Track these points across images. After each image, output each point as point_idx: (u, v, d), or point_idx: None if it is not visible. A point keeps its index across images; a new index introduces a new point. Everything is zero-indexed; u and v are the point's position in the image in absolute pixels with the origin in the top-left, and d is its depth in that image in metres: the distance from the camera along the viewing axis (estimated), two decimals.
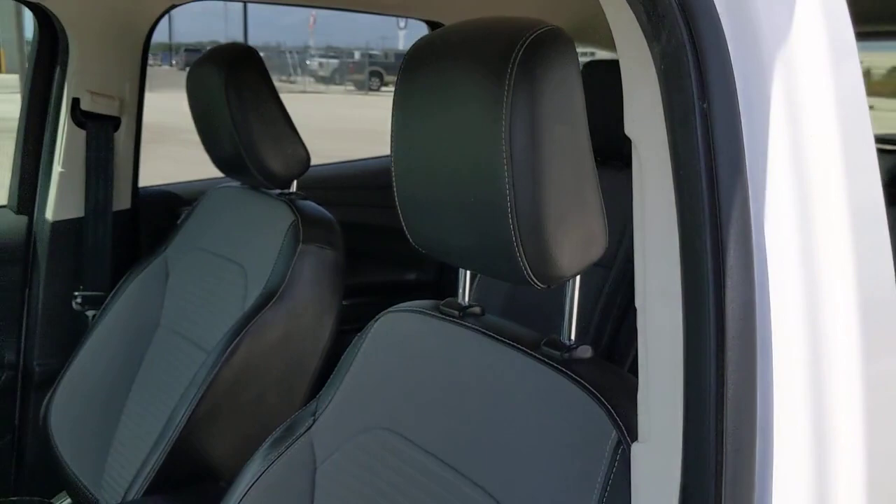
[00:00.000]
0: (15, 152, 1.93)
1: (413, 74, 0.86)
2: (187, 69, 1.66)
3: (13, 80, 15.96)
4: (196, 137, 1.67)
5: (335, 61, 27.56)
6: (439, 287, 2.53)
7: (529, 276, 0.81)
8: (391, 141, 0.91)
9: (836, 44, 0.55)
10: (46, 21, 1.82)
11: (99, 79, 1.84)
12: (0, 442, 1.90)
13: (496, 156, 0.76)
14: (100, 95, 1.83)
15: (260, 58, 1.56)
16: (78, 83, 1.82)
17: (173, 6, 1.88)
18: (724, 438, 0.50)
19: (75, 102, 1.82)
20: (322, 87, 25.01)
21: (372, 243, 2.35)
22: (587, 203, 0.80)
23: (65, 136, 1.84)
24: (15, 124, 1.94)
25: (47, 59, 1.87)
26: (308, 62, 28.21)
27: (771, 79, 0.53)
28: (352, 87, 25.90)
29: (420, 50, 0.88)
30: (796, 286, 0.53)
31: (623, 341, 1.90)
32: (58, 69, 1.85)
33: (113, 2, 1.79)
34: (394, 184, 0.92)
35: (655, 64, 0.54)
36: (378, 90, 25.58)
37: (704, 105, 0.51)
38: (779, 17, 0.54)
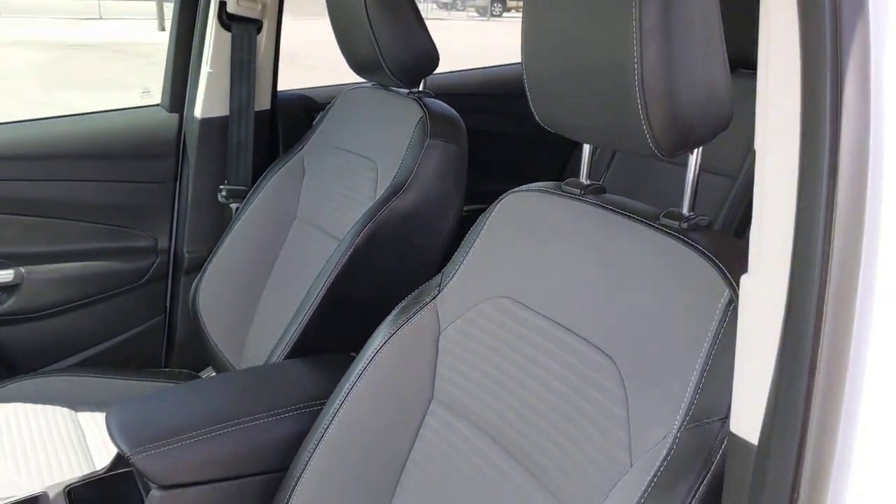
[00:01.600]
0: (168, 54, 2.06)
1: None
2: None
3: (149, 7, 16.58)
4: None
5: None
6: None
7: (655, 146, 0.84)
8: (522, 23, 0.95)
9: None
10: None
11: None
12: (153, 320, 2.10)
13: (625, 26, 0.79)
14: None
15: None
16: None
17: None
18: (830, 258, 0.53)
19: (222, 5, 1.92)
20: (444, 13, 24.75)
21: (489, 151, 2.38)
22: (714, 73, 0.82)
23: (212, 38, 1.95)
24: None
25: None
26: None
27: None
28: (474, 13, 25.50)
29: None
30: None
31: None
32: None
33: None
34: (522, 64, 0.96)
35: None
36: (500, 16, 25.10)
37: None
38: None
